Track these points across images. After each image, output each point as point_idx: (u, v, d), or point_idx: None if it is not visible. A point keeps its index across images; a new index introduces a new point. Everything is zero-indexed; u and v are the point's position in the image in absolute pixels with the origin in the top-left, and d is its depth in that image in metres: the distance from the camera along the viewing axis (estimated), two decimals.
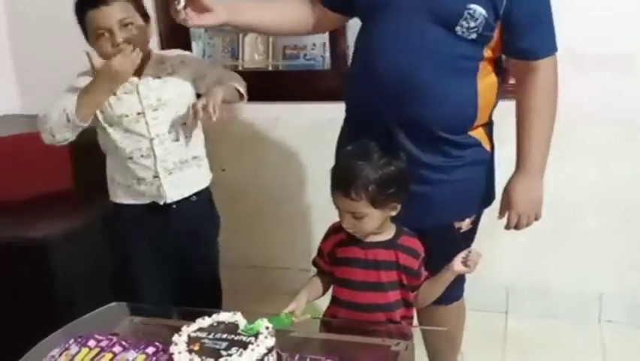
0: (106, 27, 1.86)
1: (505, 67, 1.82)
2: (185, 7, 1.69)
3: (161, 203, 2.04)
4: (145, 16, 1.96)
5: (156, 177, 2.00)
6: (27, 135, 2.59)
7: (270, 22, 1.91)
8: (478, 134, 1.78)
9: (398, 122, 1.70)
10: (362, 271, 1.67)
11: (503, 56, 1.77)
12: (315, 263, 1.79)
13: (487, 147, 1.81)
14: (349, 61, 2.58)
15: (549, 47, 1.70)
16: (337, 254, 1.71)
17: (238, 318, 1.44)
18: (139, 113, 1.96)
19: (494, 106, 1.80)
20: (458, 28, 1.61)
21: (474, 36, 1.63)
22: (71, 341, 1.56)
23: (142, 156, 1.99)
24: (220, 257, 2.25)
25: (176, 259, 2.12)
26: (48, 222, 2.37)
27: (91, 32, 1.88)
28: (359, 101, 1.81)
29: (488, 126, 1.82)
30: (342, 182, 1.59)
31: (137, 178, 2.01)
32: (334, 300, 1.73)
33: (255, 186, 2.80)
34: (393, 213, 1.65)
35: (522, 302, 2.69)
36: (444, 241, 1.73)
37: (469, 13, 1.59)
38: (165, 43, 2.78)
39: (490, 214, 1.89)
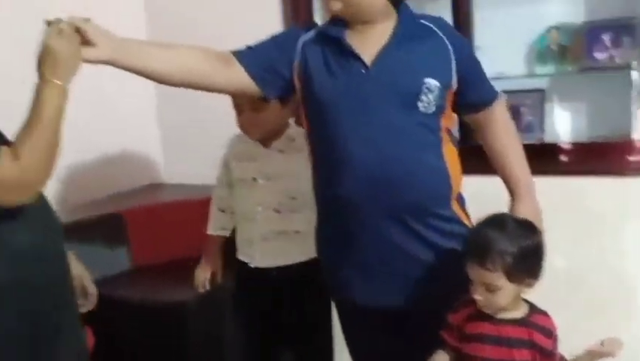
0: (238, 103, 2.13)
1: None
2: None
3: (253, 266, 2.19)
4: (282, 100, 2.08)
5: (254, 240, 2.16)
6: (167, 204, 2.79)
7: (160, 70, 1.66)
8: (456, 209, 1.81)
9: (382, 211, 1.72)
10: (494, 348, 1.64)
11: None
12: (441, 337, 1.78)
13: (467, 222, 1.83)
14: None
15: (496, 90, 1.90)
16: (466, 329, 1.69)
17: None
18: (253, 179, 2.14)
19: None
20: (420, 103, 1.69)
21: (434, 108, 1.71)
22: None
23: (248, 219, 2.17)
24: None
25: (284, 324, 2.23)
26: (186, 287, 2.44)
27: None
28: (336, 197, 1.77)
29: (461, 200, 1.86)
30: (478, 251, 1.59)
31: (243, 239, 2.20)
32: None
33: None
34: (528, 290, 1.64)
35: None
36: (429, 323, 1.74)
37: (426, 87, 1.69)
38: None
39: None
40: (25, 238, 1.56)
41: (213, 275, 2.33)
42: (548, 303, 1.70)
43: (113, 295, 2.51)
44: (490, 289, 1.59)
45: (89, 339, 2.29)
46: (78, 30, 1.50)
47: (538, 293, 1.68)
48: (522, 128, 2.71)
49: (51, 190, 2.34)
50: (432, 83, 1.70)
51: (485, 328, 1.65)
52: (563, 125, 2.67)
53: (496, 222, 1.64)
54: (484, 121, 1.89)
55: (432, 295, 1.75)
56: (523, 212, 1.82)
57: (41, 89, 1.46)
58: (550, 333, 1.63)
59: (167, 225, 2.70)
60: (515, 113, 2.73)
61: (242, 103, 2.11)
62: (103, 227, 2.70)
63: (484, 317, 1.66)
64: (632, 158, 2.48)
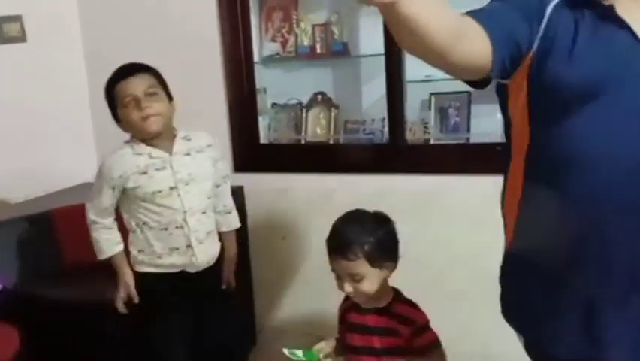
0: (133, 95, 2.06)
1: None
2: None
3: (193, 271, 2.16)
4: (168, 95, 2.13)
5: (189, 246, 2.13)
6: None
7: (434, 26, 1.12)
8: None
9: None
10: (359, 336, 1.74)
11: None
12: None
13: None
14: (407, 133, 2.75)
15: None
16: (345, 320, 1.80)
17: None
18: (171, 188, 2.10)
19: None
20: None
21: None
22: None
23: (176, 227, 2.11)
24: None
25: (198, 318, 2.24)
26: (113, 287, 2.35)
27: (120, 101, 2.09)
28: (567, 212, 1.26)
29: None
30: (339, 245, 1.69)
31: (170, 248, 2.13)
32: None
33: (313, 253, 2.86)
34: (390, 274, 1.73)
35: None
36: None
37: None
38: (233, 116, 2.97)
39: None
40: None
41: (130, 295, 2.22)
42: (415, 292, 1.79)
43: (43, 294, 2.54)
44: (356, 278, 1.67)
45: (14, 339, 2.29)
46: None
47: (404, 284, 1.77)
48: (450, 128, 2.78)
49: None
50: None
51: (354, 318, 1.76)
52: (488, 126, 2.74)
53: (352, 217, 1.75)
54: None
55: None
56: None
57: None
58: (410, 322, 1.70)
59: None
60: (444, 114, 2.81)
61: (137, 94, 2.04)
62: (33, 226, 2.69)
63: (355, 307, 1.76)
64: None
